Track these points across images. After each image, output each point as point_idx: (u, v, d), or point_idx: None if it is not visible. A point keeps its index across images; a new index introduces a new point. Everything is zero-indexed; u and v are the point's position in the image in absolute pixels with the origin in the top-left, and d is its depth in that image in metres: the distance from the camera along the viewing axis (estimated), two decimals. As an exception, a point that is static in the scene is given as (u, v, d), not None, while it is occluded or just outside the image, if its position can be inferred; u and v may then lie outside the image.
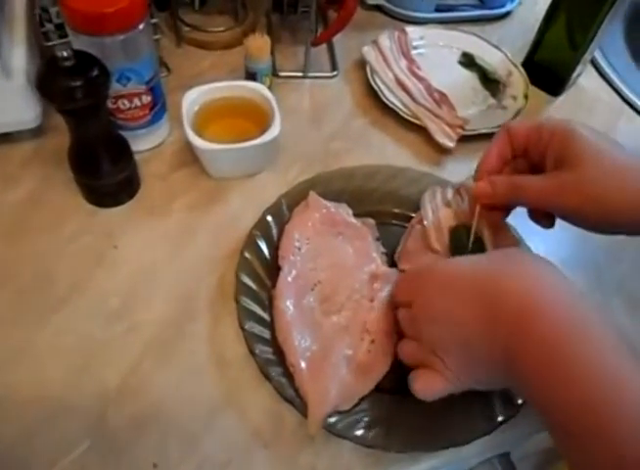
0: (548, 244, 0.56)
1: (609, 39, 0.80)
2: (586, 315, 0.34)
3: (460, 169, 0.52)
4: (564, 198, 0.43)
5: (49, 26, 0.59)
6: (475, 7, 0.84)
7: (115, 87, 0.53)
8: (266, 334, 0.47)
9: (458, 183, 0.53)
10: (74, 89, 0.44)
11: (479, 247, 0.48)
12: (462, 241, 0.49)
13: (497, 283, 0.37)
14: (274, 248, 0.52)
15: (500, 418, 0.44)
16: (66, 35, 0.51)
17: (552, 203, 0.44)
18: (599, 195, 0.41)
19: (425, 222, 0.52)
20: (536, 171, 0.46)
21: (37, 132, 0.59)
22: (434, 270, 0.42)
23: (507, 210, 0.49)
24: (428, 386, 0.40)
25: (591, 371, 0.31)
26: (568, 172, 0.42)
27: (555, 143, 0.44)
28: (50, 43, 0.60)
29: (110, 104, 0.54)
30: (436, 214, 0.52)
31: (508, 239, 0.50)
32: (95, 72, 0.45)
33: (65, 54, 0.44)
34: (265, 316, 0.48)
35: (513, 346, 0.34)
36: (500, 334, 0.35)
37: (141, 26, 0.51)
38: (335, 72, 0.73)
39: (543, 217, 0.47)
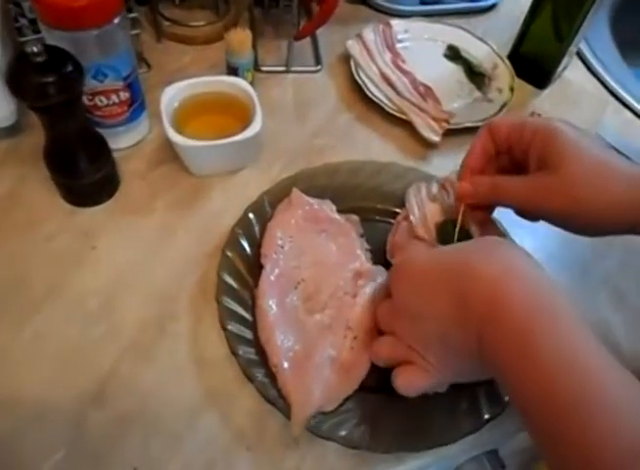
0: (535, 239, 0.56)
1: (594, 31, 0.80)
2: (555, 305, 0.34)
3: (445, 164, 0.52)
4: (547, 201, 0.42)
5: (22, 21, 0.58)
6: (460, -1, 0.84)
7: (92, 83, 0.51)
8: (248, 334, 0.46)
9: (443, 178, 0.53)
10: (46, 85, 0.43)
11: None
12: (449, 236, 0.49)
13: (468, 269, 0.36)
14: (256, 246, 0.51)
15: (486, 416, 0.44)
16: (40, 30, 0.50)
17: (535, 205, 0.43)
18: (582, 197, 0.41)
19: (411, 218, 0.51)
20: (520, 168, 0.45)
21: (12, 131, 0.58)
22: (410, 264, 0.41)
23: (492, 207, 0.48)
24: (409, 382, 0.40)
25: (560, 363, 0.31)
26: (550, 175, 0.42)
27: (537, 142, 0.43)
28: (24, 38, 0.58)
29: (86, 101, 0.53)
30: (422, 210, 0.51)
31: (494, 234, 0.50)
32: (68, 68, 0.44)
33: (35, 49, 0.42)
34: (247, 316, 0.47)
35: (484, 334, 0.34)
36: (473, 320, 0.35)
37: (116, 21, 0.49)
38: (318, 67, 0.72)
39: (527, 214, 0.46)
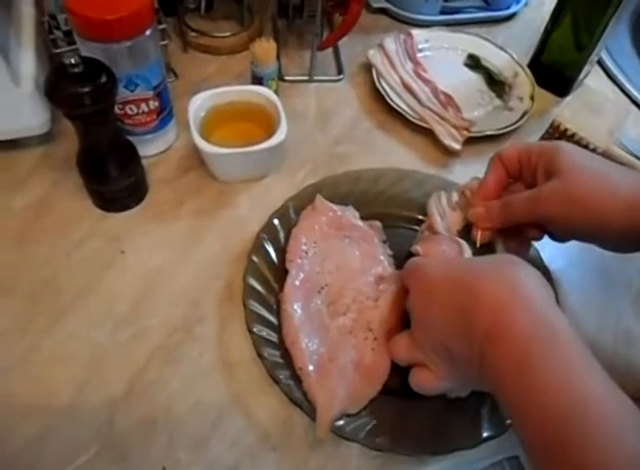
0: (555, 245, 0.56)
1: (615, 40, 0.80)
2: (557, 332, 0.34)
3: (467, 171, 0.52)
4: (549, 205, 0.44)
5: (57, 34, 0.60)
6: (480, 9, 0.85)
7: (123, 93, 0.53)
8: (274, 337, 0.47)
9: (462, 185, 0.53)
10: (83, 95, 0.45)
11: (487, 247, 0.49)
12: (471, 242, 0.49)
13: (477, 287, 0.37)
14: (281, 251, 0.52)
15: (508, 422, 0.44)
16: (74, 42, 0.52)
17: (539, 212, 0.45)
18: (584, 197, 0.42)
19: (437, 228, 0.52)
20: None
21: (46, 138, 0.60)
22: (426, 272, 0.42)
23: None
24: (419, 383, 0.42)
25: (558, 388, 0.31)
26: (553, 181, 0.44)
27: (543, 160, 0.45)
28: (58, 50, 0.60)
29: (117, 109, 0.54)
30: (445, 219, 0.52)
31: (517, 238, 0.50)
32: (103, 79, 0.46)
33: (73, 61, 0.44)
34: (273, 320, 0.48)
35: (485, 354, 0.35)
36: (477, 338, 0.36)
37: (148, 32, 0.51)
38: (341, 76, 0.74)
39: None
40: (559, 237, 0.48)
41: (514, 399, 0.33)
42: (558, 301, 0.51)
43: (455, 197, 0.53)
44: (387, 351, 0.46)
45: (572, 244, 0.58)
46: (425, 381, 0.41)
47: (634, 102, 0.75)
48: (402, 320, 0.47)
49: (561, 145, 0.45)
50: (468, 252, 0.48)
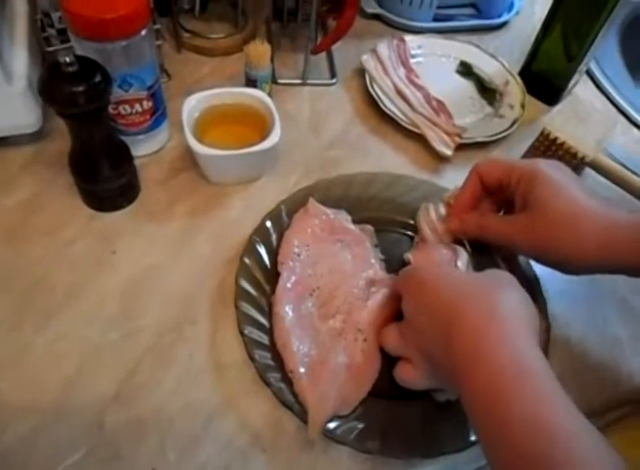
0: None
1: (604, 50, 0.81)
2: (526, 367, 0.35)
3: (458, 177, 0.53)
4: (525, 239, 0.46)
5: (50, 31, 0.59)
6: (472, 17, 0.86)
7: (117, 93, 0.53)
8: (265, 339, 0.47)
9: (446, 195, 0.54)
10: (77, 94, 0.44)
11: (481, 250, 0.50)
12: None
13: (459, 309, 0.38)
14: (273, 254, 0.52)
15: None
16: (67, 40, 0.52)
17: (510, 243, 0.47)
18: (549, 238, 0.44)
19: (429, 241, 0.52)
20: (511, 205, 0.48)
21: (37, 136, 0.59)
22: (422, 280, 0.43)
23: None
24: (403, 375, 0.43)
25: (527, 424, 0.32)
26: (530, 216, 0.45)
27: (521, 186, 0.46)
28: (51, 48, 0.60)
29: (111, 109, 0.54)
30: (436, 233, 0.53)
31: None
32: (98, 78, 0.46)
33: (67, 59, 0.44)
34: (264, 322, 0.49)
35: (460, 378, 0.36)
36: (455, 357, 0.37)
37: (143, 32, 0.51)
38: (334, 80, 0.74)
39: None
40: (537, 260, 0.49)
41: (484, 430, 0.34)
42: (546, 308, 0.52)
43: (442, 209, 0.54)
44: (376, 352, 0.47)
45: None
46: (407, 375, 0.43)
47: (621, 112, 0.77)
48: (392, 321, 0.47)
49: (540, 171, 0.45)
50: (464, 256, 0.48)
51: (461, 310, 0.38)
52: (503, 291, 0.39)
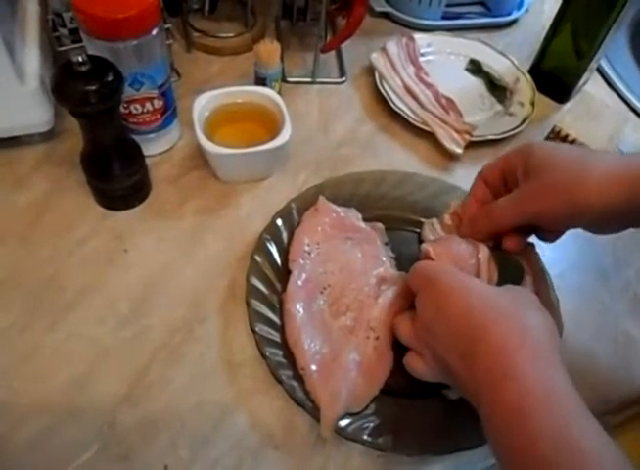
0: (556, 249, 0.56)
1: (614, 47, 0.80)
2: (555, 387, 0.35)
3: (468, 175, 0.52)
4: (533, 201, 0.44)
5: (62, 31, 0.60)
6: (481, 14, 0.85)
7: (128, 92, 0.53)
8: (276, 337, 0.48)
9: (452, 207, 0.53)
10: (90, 93, 0.45)
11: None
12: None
13: (484, 329, 0.38)
14: (284, 252, 0.52)
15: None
16: (78, 40, 0.52)
17: (524, 210, 0.45)
18: (560, 186, 0.43)
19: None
20: None
21: (49, 136, 0.60)
22: (439, 280, 0.42)
23: None
24: (412, 366, 0.43)
25: (554, 446, 0.32)
26: (531, 180, 0.45)
27: (520, 163, 0.46)
28: (63, 48, 0.60)
29: (122, 108, 0.54)
30: None
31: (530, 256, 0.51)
32: (110, 77, 0.46)
33: (80, 59, 0.44)
34: (275, 319, 0.49)
35: (483, 390, 0.36)
36: (477, 369, 0.37)
37: (154, 32, 0.51)
38: (343, 78, 0.74)
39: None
40: (547, 236, 0.48)
41: (508, 447, 0.34)
42: (558, 306, 0.52)
43: (448, 220, 0.53)
44: (388, 349, 0.47)
45: (571, 247, 0.59)
46: (416, 367, 0.43)
47: (633, 109, 0.76)
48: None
49: (533, 145, 0.46)
50: (485, 250, 0.47)
51: (490, 329, 0.37)
52: (531, 312, 0.40)
